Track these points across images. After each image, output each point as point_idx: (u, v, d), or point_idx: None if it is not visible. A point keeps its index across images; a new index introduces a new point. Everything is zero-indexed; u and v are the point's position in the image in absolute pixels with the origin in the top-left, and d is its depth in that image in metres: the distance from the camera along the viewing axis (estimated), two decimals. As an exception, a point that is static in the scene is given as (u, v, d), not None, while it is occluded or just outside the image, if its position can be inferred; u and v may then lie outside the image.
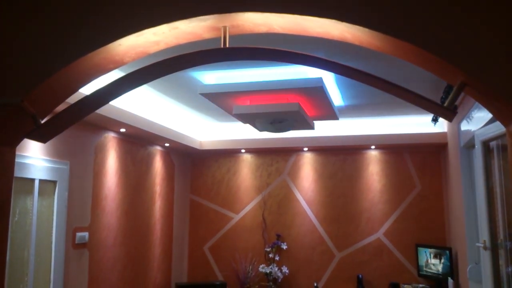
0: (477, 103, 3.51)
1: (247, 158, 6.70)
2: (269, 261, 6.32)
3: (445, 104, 1.69)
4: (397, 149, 6.23)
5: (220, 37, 1.80)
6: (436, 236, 5.96)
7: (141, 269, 5.37)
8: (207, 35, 1.86)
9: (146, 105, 4.79)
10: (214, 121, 6.01)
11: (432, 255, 5.63)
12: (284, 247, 6.29)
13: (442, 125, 5.65)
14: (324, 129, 5.92)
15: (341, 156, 6.40)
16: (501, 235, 3.26)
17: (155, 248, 5.72)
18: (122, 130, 4.77)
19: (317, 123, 5.42)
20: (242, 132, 6.22)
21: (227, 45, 1.77)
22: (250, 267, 6.31)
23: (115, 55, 1.86)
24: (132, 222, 5.17)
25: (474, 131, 3.63)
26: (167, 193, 6.12)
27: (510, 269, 3.16)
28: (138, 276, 5.28)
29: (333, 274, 6.21)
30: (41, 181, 3.73)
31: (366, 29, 1.62)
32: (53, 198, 3.92)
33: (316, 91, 3.90)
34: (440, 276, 5.47)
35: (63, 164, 4.02)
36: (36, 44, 1.81)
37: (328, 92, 4.11)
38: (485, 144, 3.39)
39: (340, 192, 6.35)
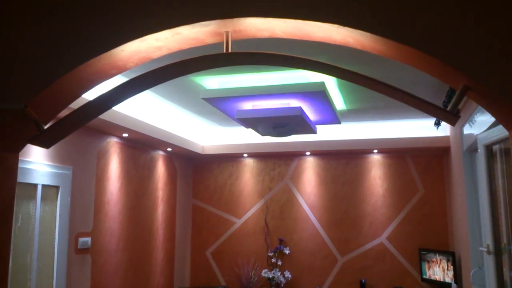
0: (479, 106, 3.50)
1: (249, 163, 6.70)
2: (271, 266, 6.30)
3: (448, 108, 1.69)
4: (399, 153, 6.22)
5: (223, 42, 1.81)
6: (439, 240, 5.94)
7: (144, 274, 5.36)
8: (210, 40, 1.87)
9: (148, 110, 4.80)
10: (216, 126, 6.02)
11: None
12: (287, 251, 6.27)
13: (445, 129, 5.64)
14: (326, 133, 5.92)
15: (344, 160, 6.40)
16: (504, 239, 3.24)
17: (157, 253, 5.71)
18: (125, 135, 4.77)
19: (319, 127, 5.42)
20: (245, 137, 6.22)
21: (230, 50, 1.78)
22: (253, 272, 6.30)
23: (118, 61, 1.86)
24: (134, 227, 5.17)
25: (477, 135, 3.62)
26: (170, 198, 6.12)
27: (514, 274, 3.14)
28: (140, 281, 5.27)
29: (336, 279, 6.19)
30: (43, 186, 3.74)
31: (369, 34, 1.63)
32: (56, 203, 3.92)
33: (318, 95, 3.90)
34: (444, 281, 5.44)
35: (65, 169, 4.03)
36: (39, 50, 1.82)
37: (330, 97, 4.11)
38: (488, 148, 3.38)
39: (342, 197, 6.34)
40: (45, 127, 1.86)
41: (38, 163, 3.69)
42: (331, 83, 4.09)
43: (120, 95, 1.90)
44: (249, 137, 6.16)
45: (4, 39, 1.85)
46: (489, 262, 3.32)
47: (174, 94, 4.49)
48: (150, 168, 5.58)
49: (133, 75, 1.84)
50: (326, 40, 1.80)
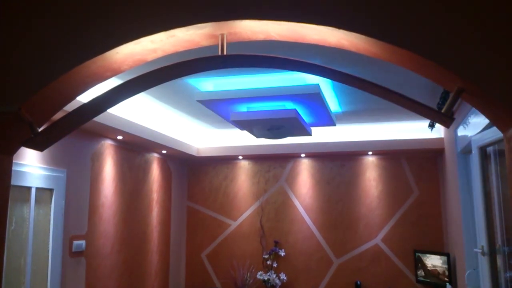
0: (473, 108, 3.52)
1: (244, 165, 6.69)
2: (267, 268, 6.30)
3: (443, 110, 1.69)
4: (394, 155, 6.24)
5: (218, 45, 1.80)
6: (434, 241, 5.95)
7: (139, 276, 5.34)
8: (205, 42, 1.87)
9: (143, 112, 4.79)
10: (211, 128, 6.01)
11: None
12: (282, 254, 6.27)
13: (439, 131, 5.66)
14: (321, 135, 5.93)
15: (339, 162, 6.41)
16: (499, 241, 3.26)
17: (152, 255, 5.69)
18: (119, 137, 4.76)
19: (314, 130, 5.42)
20: (240, 139, 6.21)
21: (225, 53, 1.78)
22: (248, 274, 6.29)
23: (113, 63, 1.86)
24: (129, 229, 5.15)
25: (471, 136, 3.64)
26: (164, 200, 6.10)
27: (508, 275, 3.15)
28: (135, 284, 5.25)
29: (331, 280, 6.19)
30: (37, 189, 3.72)
31: (363, 36, 1.63)
32: (50, 206, 3.90)
33: (313, 97, 3.91)
34: (439, 282, 5.46)
35: (60, 172, 4.01)
36: (34, 52, 1.81)
37: (325, 99, 4.12)
38: (482, 150, 3.40)
39: (337, 198, 6.35)
40: (39, 129, 1.85)
41: (32, 166, 3.67)
42: (326, 85, 4.10)
43: (114, 98, 1.89)
44: (244, 139, 6.15)
45: (-3, 41, 1.84)
46: (484, 264, 3.33)
47: (169, 97, 4.48)
48: (144, 170, 5.57)
49: (128, 77, 1.84)
50: (321, 42, 1.81)
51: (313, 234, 6.33)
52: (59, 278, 3.92)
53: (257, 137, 4.68)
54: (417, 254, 5.80)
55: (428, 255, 5.67)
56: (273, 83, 3.96)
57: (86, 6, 1.80)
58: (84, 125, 3.68)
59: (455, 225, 4.95)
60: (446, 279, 5.36)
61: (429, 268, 5.63)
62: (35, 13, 1.84)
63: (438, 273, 5.52)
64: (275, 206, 6.50)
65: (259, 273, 6.17)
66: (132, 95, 1.95)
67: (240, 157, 6.61)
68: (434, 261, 5.57)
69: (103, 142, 4.69)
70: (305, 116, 4.51)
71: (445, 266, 5.36)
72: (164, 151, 5.82)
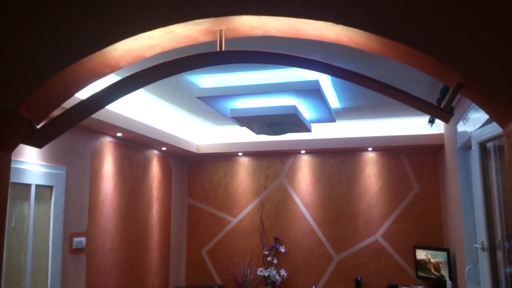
0: (473, 104, 3.52)
1: (244, 161, 6.69)
2: (267, 265, 6.30)
3: (442, 106, 1.69)
4: (394, 151, 6.23)
5: (216, 41, 1.80)
6: (434, 237, 5.96)
7: (139, 273, 5.35)
8: (203, 38, 1.86)
9: (142, 109, 4.78)
10: (211, 125, 6.01)
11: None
12: (282, 250, 6.28)
13: (439, 127, 5.66)
14: (321, 131, 5.92)
15: (339, 158, 6.40)
16: (498, 236, 3.26)
17: (152, 252, 5.70)
18: (119, 134, 4.76)
19: (314, 126, 5.42)
20: (239, 135, 6.21)
21: (223, 49, 1.77)
22: (249, 270, 6.29)
23: (111, 60, 1.85)
24: (129, 226, 5.15)
25: (471, 132, 3.63)
26: (165, 197, 6.10)
27: (508, 270, 3.16)
28: (136, 281, 5.25)
29: (332, 277, 6.20)
30: (37, 186, 3.72)
31: (362, 32, 1.63)
32: (50, 204, 3.90)
33: (313, 93, 3.90)
34: (439, 278, 5.47)
35: (59, 169, 4.01)
36: (32, 49, 1.80)
37: (324, 95, 4.11)
38: (482, 145, 3.39)
39: (337, 195, 6.35)
40: (38, 126, 1.84)
41: (31, 163, 3.66)
42: (326, 81, 4.09)
43: (113, 94, 1.89)
44: (244, 135, 6.15)
45: (-5, 38, 1.84)
46: (484, 259, 3.33)
47: (168, 93, 4.47)
48: (144, 167, 5.56)
49: (126, 74, 1.83)
50: (319, 38, 1.80)
51: (313, 231, 6.34)
52: (59, 275, 3.93)
53: (257, 133, 4.68)
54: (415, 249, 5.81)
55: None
56: (273, 79, 3.96)
57: (84, 3, 1.80)
58: (83, 122, 3.68)
59: (455, 221, 4.96)
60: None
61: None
62: (32, 10, 1.83)
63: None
64: (275, 203, 6.51)
65: (259, 269, 6.18)
66: (130, 92, 1.95)
67: (240, 154, 6.61)
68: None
69: (102, 139, 4.68)
70: (305, 112, 4.51)
71: (443, 261, 5.37)
72: (164, 148, 5.82)
